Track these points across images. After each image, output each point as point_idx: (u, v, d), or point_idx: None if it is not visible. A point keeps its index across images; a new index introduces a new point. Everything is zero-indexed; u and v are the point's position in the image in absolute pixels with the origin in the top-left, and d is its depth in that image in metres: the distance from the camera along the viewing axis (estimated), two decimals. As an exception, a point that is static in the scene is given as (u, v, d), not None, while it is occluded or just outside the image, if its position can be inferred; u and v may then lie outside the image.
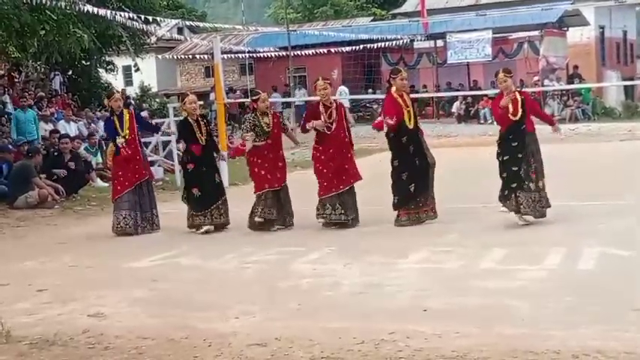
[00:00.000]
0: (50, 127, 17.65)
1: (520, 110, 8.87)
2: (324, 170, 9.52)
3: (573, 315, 5.33)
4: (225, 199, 10.06)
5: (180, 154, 10.23)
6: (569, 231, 8.41)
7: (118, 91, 11.12)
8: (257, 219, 9.60)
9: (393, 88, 9.31)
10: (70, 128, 18.16)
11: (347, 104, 30.88)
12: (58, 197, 12.67)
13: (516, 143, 8.81)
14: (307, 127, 9.67)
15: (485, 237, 8.38)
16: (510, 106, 8.86)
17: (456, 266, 7.12)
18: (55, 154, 14.11)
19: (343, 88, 30.26)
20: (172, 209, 11.29)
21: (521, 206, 8.72)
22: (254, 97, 9.93)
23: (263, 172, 9.67)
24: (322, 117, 9.52)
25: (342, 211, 9.43)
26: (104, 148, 17.46)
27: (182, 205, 10.21)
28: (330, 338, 5.12)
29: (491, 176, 9.09)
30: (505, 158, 8.83)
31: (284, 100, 29.65)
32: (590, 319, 5.19)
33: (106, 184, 14.62)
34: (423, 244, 8.12)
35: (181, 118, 10.67)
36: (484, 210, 9.47)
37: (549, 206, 8.89)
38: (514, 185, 8.73)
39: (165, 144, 17.34)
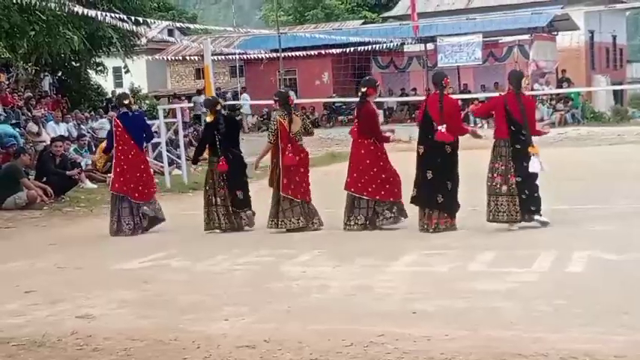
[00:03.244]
0: (36, 128, 17.62)
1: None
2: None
3: (562, 318, 5.34)
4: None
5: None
6: (559, 234, 8.43)
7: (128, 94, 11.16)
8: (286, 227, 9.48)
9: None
10: (60, 129, 18.11)
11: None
12: (47, 198, 12.62)
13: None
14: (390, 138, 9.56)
15: (475, 240, 8.39)
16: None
17: (445, 269, 7.12)
18: (51, 155, 14.05)
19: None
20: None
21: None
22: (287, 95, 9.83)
23: (298, 179, 9.51)
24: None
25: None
26: (93, 149, 17.43)
27: (172, 207, 10.17)
28: (319, 340, 5.11)
29: (480, 179, 9.09)
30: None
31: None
32: (578, 323, 5.20)
33: (95, 186, 14.59)
34: (413, 247, 8.12)
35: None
36: (474, 213, 9.46)
37: None
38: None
39: (155, 146, 17.27)
